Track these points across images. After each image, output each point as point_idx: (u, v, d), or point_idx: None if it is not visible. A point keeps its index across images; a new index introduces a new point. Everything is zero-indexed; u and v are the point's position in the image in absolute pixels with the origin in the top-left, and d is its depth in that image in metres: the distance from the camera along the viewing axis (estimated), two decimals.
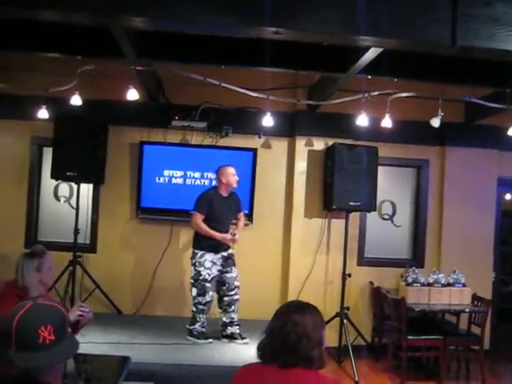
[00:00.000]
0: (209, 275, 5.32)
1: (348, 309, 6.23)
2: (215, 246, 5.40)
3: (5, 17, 4.22)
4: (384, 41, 3.42)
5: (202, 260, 5.35)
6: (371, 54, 4.15)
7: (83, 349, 4.43)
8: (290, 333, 2.12)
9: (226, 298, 5.45)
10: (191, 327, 5.42)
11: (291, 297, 6.51)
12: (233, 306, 5.45)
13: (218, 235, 5.36)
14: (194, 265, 5.40)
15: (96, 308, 6.34)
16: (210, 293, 5.35)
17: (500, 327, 7.26)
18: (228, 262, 5.47)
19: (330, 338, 6.33)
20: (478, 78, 5.36)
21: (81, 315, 3.36)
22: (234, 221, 5.71)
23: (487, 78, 5.36)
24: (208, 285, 5.32)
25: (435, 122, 5.66)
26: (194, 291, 5.38)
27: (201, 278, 5.33)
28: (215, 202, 5.42)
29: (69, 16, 3.53)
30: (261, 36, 3.46)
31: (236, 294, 5.46)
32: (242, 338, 5.39)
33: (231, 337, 5.43)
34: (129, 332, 5.56)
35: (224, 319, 5.47)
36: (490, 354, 6.70)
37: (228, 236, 5.42)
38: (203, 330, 5.41)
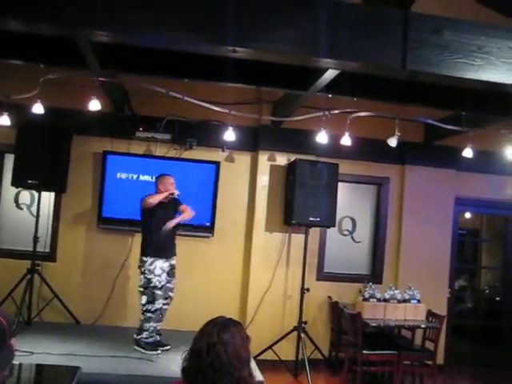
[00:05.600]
0: (159, 282, 5.39)
1: (306, 323, 6.29)
2: (165, 250, 5.49)
3: None
4: (339, 63, 3.54)
5: (151, 267, 5.40)
6: (329, 74, 4.25)
7: (37, 359, 4.45)
8: (220, 355, 2.02)
9: None
10: (138, 337, 5.47)
11: (250, 310, 6.58)
12: (160, 315, 5.55)
13: (164, 194, 5.53)
14: (143, 273, 5.45)
15: (53, 318, 6.34)
16: (160, 300, 5.42)
17: (455, 343, 7.41)
18: (172, 271, 5.58)
19: (288, 351, 6.41)
20: (436, 101, 5.52)
21: None
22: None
23: (445, 101, 5.52)
24: (158, 292, 5.39)
25: (392, 142, 5.82)
26: (144, 299, 5.43)
27: (151, 285, 5.39)
28: (157, 206, 5.50)
29: (33, 26, 3.56)
30: (219, 54, 3.53)
31: (167, 303, 5.57)
32: (163, 346, 5.52)
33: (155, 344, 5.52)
34: (85, 342, 5.54)
35: None
36: (443, 369, 6.86)
37: (175, 192, 5.60)
38: (151, 340, 5.44)
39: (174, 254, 5.64)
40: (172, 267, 5.58)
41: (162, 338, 5.61)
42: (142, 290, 5.46)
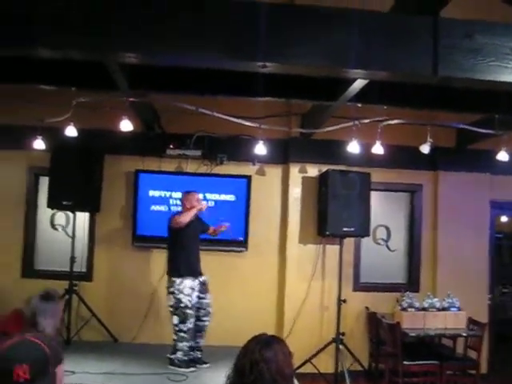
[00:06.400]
0: (190, 302, 5.35)
1: (343, 334, 6.21)
2: (193, 269, 5.46)
3: (4, 55, 4.31)
4: (369, 73, 3.50)
5: (181, 287, 5.35)
6: (358, 84, 4.24)
7: (78, 379, 4.48)
8: (263, 372, 2.00)
9: (198, 323, 5.50)
10: (172, 356, 5.42)
11: (287, 323, 6.54)
12: (202, 332, 5.57)
13: (194, 210, 5.49)
14: (172, 293, 5.40)
15: (92, 336, 6.40)
16: (191, 319, 5.37)
17: (498, 351, 7.24)
18: (204, 287, 5.55)
19: (327, 363, 6.34)
20: (468, 105, 5.42)
21: None
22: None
23: (477, 105, 5.41)
24: (189, 311, 5.35)
25: (425, 149, 5.74)
26: (176, 319, 5.38)
27: (182, 305, 5.34)
28: (186, 225, 5.48)
29: (62, 53, 3.62)
30: (249, 69, 3.54)
31: (208, 320, 5.57)
32: (204, 363, 5.53)
33: (193, 361, 5.49)
34: (123, 361, 5.57)
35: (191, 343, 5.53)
36: (487, 378, 6.69)
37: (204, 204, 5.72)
38: (185, 358, 5.41)
39: (201, 273, 5.60)
40: (202, 283, 5.54)
41: (202, 354, 5.59)
42: (172, 309, 5.43)
